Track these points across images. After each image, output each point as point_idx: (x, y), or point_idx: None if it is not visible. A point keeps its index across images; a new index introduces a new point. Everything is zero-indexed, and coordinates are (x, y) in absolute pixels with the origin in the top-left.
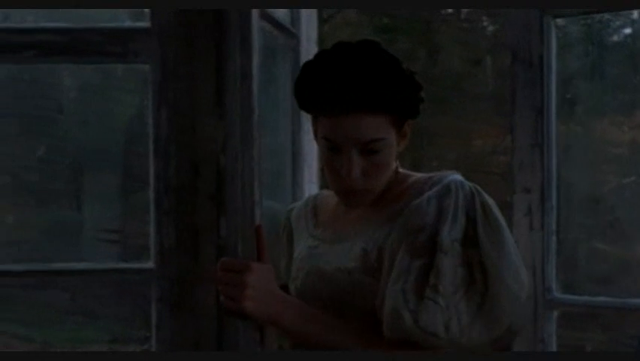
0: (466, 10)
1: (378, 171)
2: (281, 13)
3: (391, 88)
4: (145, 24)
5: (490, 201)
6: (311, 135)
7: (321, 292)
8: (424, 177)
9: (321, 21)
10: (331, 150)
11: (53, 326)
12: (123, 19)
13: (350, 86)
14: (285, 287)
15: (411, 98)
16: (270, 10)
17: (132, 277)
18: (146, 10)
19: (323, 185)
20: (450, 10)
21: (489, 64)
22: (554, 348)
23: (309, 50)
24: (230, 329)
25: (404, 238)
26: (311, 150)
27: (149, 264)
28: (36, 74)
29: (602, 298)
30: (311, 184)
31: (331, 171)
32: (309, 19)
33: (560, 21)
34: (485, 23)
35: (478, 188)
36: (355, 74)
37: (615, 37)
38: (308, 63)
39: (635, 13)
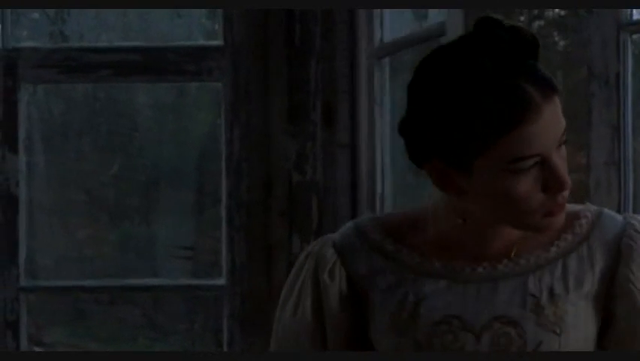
0: (536, 24)
1: (566, 170)
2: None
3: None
4: (218, 42)
5: None
6: None
7: (471, 349)
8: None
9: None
10: (517, 172)
11: (126, 341)
12: (196, 37)
13: (534, 66)
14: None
15: None
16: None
17: (204, 293)
18: (219, 28)
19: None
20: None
21: (560, 80)
22: None
23: None
24: None
25: None
26: None
27: (221, 280)
28: (111, 93)
29: None
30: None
31: (522, 198)
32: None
33: (636, 37)
34: (556, 38)
35: None
36: (528, 50)
37: None
38: (448, 77)
39: None
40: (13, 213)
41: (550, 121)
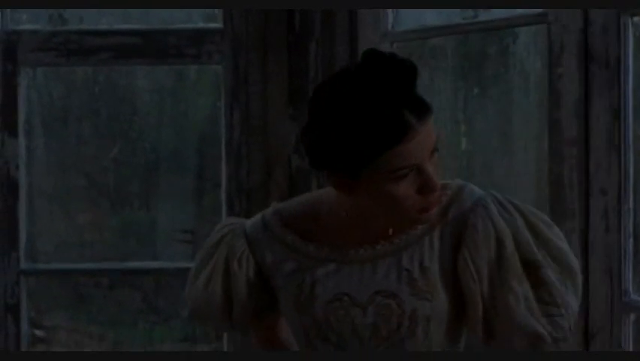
0: None
1: (438, 171)
2: None
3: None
4: (218, 25)
5: (511, 198)
6: None
7: (359, 321)
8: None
9: None
10: (397, 179)
11: (126, 325)
12: (196, 20)
13: (411, 92)
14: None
15: None
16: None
17: None
18: (219, 11)
19: None
20: None
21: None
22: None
23: None
24: None
25: (498, 265)
26: None
27: None
28: (111, 76)
29: None
30: None
31: (401, 199)
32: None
33: (637, 20)
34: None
35: (498, 193)
36: (406, 78)
37: None
38: (339, 102)
39: None
40: (13, 197)
41: (424, 138)
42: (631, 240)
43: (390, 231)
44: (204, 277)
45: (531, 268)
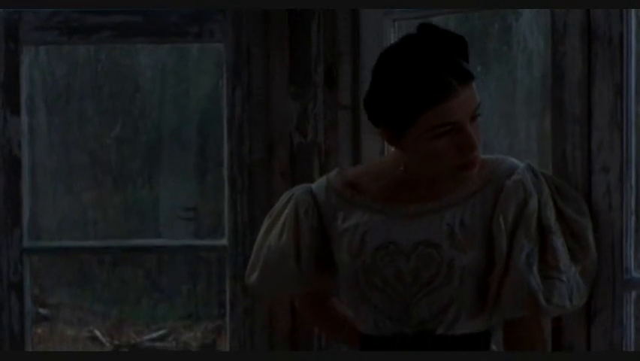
0: None
1: (479, 135)
2: None
3: (467, 55)
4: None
5: (550, 174)
6: None
7: (402, 267)
8: (485, 158)
9: None
10: (439, 136)
11: (129, 302)
12: None
13: (455, 59)
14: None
15: None
16: None
17: (206, 254)
18: None
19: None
20: None
21: None
22: (632, 330)
23: None
24: None
25: (517, 222)
26: None
27: (223, 241)
28: (113, 55)
29: None
30: None
31: (442, 155)
32: None
33: None
34: None
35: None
36: (453, 48)
37: None
38: (394, 66)
39: None
40: (16, 175)
41: (464, 100)
42: (633, 218)
43: (438, 191)
44: (277, 231)
45: (545, 232)
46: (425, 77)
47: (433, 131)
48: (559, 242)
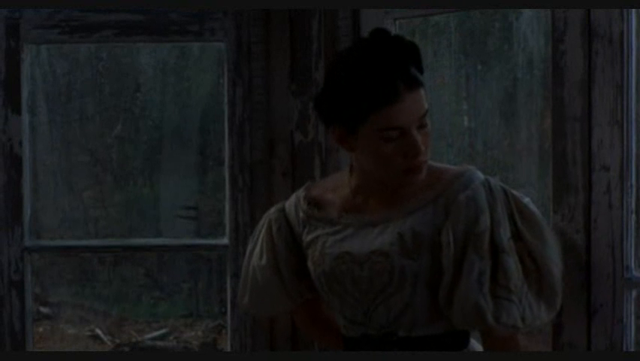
0: None
1: (428, 143)
2: None
3: (420, 62)
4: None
5: (514, 191)
6: None
7: (357, 275)
8: (441, 167)
9: None
10: (387, 140)
11: (130, 300)
12: None
13: (406, 65)
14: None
15: None
16: None
17: (207, 253)
18: None
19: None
20: None
21: None
22: (633, 328)
23: None
24: None
25: (467, 238)
26: None
27: (224, 240)
28: (114, 53)
29: None
30: None
31: (389, 158)
32: None
33: None
34: None
35: (501, 183)
36: (403, 54)
37: None
38: (346, 68)
39: None
40: (17, 174)
41: (411, 105)
42: (633, 216)
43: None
44: (257, 252)
45: (498, 251)
46: (373, 79)
47: (380, 133)
48: (510, 261)
